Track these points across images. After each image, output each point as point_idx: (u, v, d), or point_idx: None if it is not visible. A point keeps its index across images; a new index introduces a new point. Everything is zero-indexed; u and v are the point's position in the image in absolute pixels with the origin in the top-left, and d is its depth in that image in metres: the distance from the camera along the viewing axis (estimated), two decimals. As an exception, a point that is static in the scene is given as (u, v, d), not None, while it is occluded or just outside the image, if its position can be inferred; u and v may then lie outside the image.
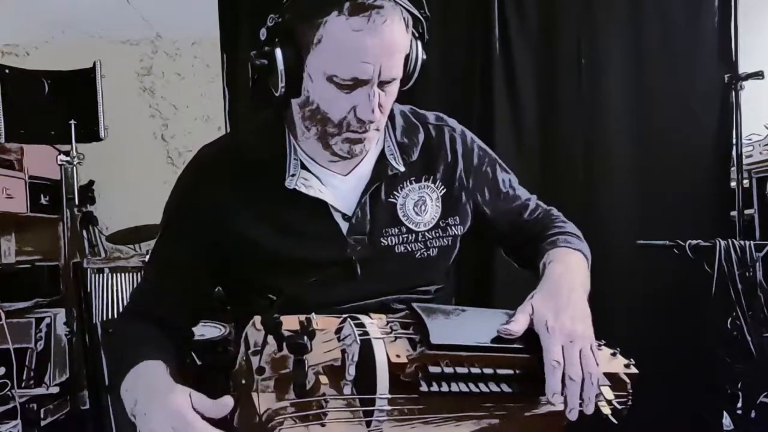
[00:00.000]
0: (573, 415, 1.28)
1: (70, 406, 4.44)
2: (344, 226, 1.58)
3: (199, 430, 1.20)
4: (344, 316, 1.31)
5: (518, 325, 1.30)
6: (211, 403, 1.24)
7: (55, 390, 4.40)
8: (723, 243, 2.88)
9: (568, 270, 1.50)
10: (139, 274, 3.91)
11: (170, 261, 1.66)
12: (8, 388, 4.04)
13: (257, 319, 1.25)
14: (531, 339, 1.31)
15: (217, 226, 1.56)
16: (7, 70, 4.12)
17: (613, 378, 1.37)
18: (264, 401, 1.18)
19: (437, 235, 1.65)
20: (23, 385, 4.29)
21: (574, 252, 1.61)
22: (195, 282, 1.65)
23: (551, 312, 1.31)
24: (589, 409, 1.28)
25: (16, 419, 3.99)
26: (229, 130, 3.45)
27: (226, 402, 1.23)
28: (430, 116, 1.76)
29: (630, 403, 1.39)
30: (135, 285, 3.91)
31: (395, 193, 1.63)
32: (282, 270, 1.55)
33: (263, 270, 1.56)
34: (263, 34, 1.45)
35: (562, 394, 1.26)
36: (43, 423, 4.27)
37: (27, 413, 4.17)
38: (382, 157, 1.62)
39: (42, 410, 4.27)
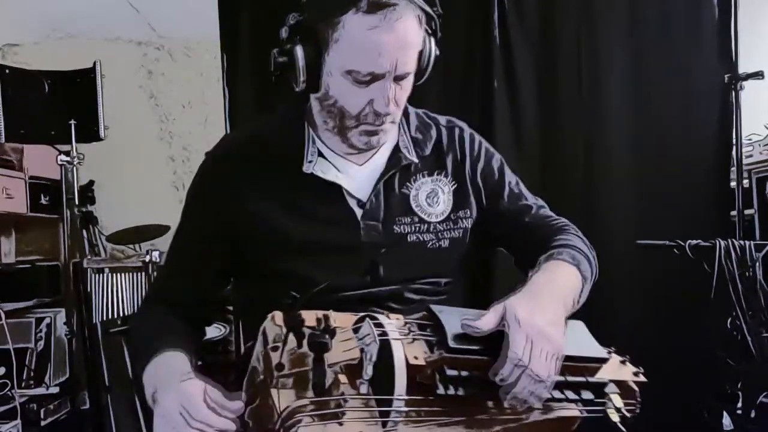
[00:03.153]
0: (507, 404, 1.29)
1: (70, 406, 4.43)
2: (358, 212, 1.63)
3: (203, 416, 1.28)
4: (362, 314, 1.33)
5: (485, 322, 1.28)
6: (224, 401, 1.32)
7: (55, 390, 4.40)
8: (723, 243, 2.88)
9: (553, 280, 1.49)
10: (139, 273, 3.91)
11: (189, 242, 1.73)
12: (8, 388, 4.05)
13: (277, 314, 1.26)
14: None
15: (235, 209, 1.62)
16: (7, 70, 4.12)
17: (622, 386, 1.39)
18: (284, 398, 1.19)
19: (448, 227, 1.69)
20: (23, 385, 4.29)
21: (567, 266, 1.58)
22: (214, 268, 1.71)
23: (524, 309, 1.29)
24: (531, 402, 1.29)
25: (16, 419, 3.99)
26: (229, 130, 3.46)
27: (239, 405, 1.31)
28: (442, 118, 1.83)
29: (638, 410, 1.40)
30: (135, 285, 3.92)
31: (408, 184, 1.68)
32: (296, 253, 1.59)
33: (278, 254, 1.60)
34: (284, 32, 1.52)
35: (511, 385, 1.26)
36: (43, 423, 4.26)
37: (27, 413, 4.17)
38: (396, 150, 1.68)
39: (42, 410, 4.26)
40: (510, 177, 1.83)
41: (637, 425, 1.44)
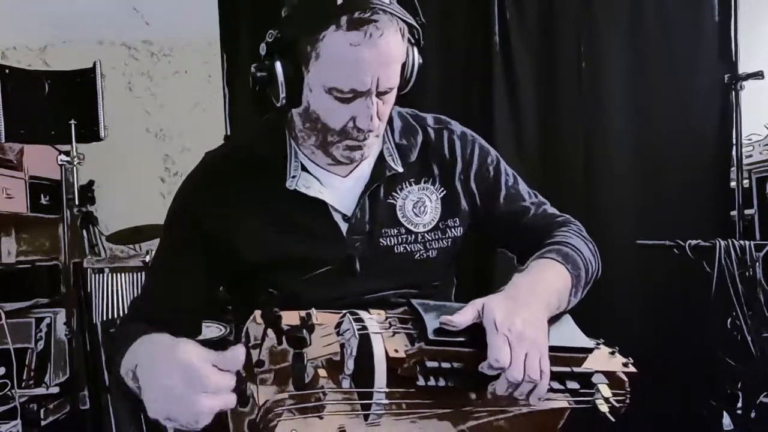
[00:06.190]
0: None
1: (70, 406, 4.43)
2: (344, 226, 1.60)
3: (213, 381, 1.13)
4: (344, 311, 1.32)
5: (462, 317, 1.27)
6: (221, 355, 1.16)
7: (55, 390, 4.40)
8: (723, 243, 2.88)
9: (535, 281, 1.45)
10: (139, 274, 3.91)
11: (172, 262, 1.68)
12: (8, 388, 4.05)
13: (258, 313, 1.26)
14: None
15: (218, 228, 1.59)
16: (7, 70, 4.12)
17: (611, 376, 1.38)
18: (263, 394, 1.19)
19: (436, 236, 1.66)
20: (23, 385, 4.29)
21: (555, 264, 1.54)
22: (196, 284, 1.66)
23: (502, 311, 1.27)
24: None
25: (16, 419, 3.99)
26: (229, 131, 3.46)
27: (238, 352, 1.15)
28: (430, 119, 1.77)
29: (628, 401, 1.39)
30: (135, 285, 3.92)
31: (394, 194, 1.64)
32: (283, 270, 1.57)
33: (265, 270, 1.58)
34: (263, 48, 1.48)
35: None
36: (43, 423, 4.27)
37: (27, 413, 4.17)
38: (380, 159, 1.64)
39: (42, 410, 4.27)
40: (506, 176, 1.78)
41: (638, 425, 1.44)
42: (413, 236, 1.63)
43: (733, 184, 3.31)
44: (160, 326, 1.53)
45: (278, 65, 1.45)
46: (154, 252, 1.75)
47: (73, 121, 4.15)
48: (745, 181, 3.37)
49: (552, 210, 1.80)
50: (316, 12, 1.38)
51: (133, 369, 1.32)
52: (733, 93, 3.26)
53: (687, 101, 3.38)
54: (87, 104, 4.18)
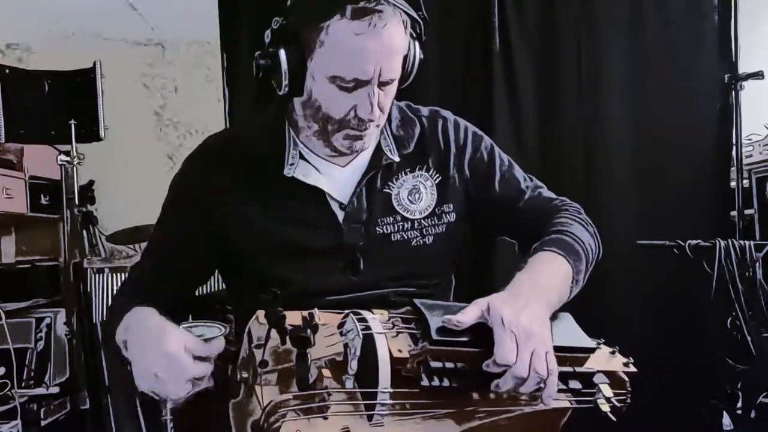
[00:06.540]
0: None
1: (70, 406, 4.43)
2: (340, 215, 1.62)
3: (191, 370, 1.30)
4: (346, 311, 1.32)
5: (466, 317, 1.27)
6: (203, 347, 1.33)
7: (55, 390, 4.39)
8: (723, 243, 2.88)
9: (536, 278, 1.44)
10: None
11: (165, 243, 1.72)
12: (8, 388, 4.04)
13: (261, 313, 1.26)
14: None
15: (216, 212, 1.61)
16: (7, 70, 4.10)
17: (611, 376, 1.38)
18: (267, 394, 1.19)
19: (432, 222, 1.67)
20: (23, 385, 4.28)
21: (555, 258, 1.53)
22: (186, 266, 1.70)
23: (508, 309, 1.27)
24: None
25: (16, 419, 3.99)
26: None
27: (218, 342, 1.34)
28: (424, 110, 1.80)
29: (629, 401, 1.39)
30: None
31: (390, 183, 1.67)
32: (279, 258, 1.59)
33: (261, 258, 1.60)
34: (267, 35, 1.50)
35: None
36: (43, 423, 4.25)
37: (27, 413, 4.16)
38: (378, 149, 1.67)
39: (42, 410, 4.26)
40: (501, 162, 1.78)
41: (638, 425, 1.44)
42: (410, 223, 1.65)
43: (733, 184, 3.31)
44: (149, 300, 1.60)
45: (282, 53, 1.48)
46: (152, 231, 1.76)
47: (73, 121, 4.13)
48: (745, 181, 3.37)
49: (548, 193, 1.81)
50: (322, 1, 1.42)
51: (124, 342, 1.45)
52: (733, 93, 3.26)
53: (687, 101, 3.38)
54: (87, 104, 4.16)
